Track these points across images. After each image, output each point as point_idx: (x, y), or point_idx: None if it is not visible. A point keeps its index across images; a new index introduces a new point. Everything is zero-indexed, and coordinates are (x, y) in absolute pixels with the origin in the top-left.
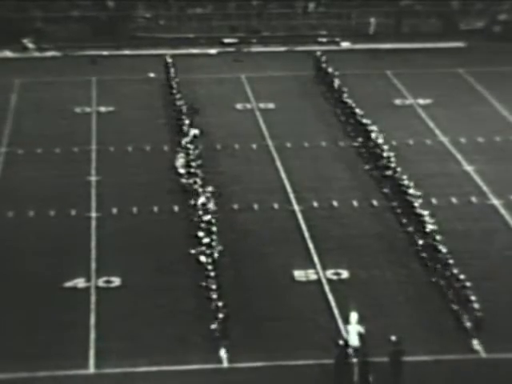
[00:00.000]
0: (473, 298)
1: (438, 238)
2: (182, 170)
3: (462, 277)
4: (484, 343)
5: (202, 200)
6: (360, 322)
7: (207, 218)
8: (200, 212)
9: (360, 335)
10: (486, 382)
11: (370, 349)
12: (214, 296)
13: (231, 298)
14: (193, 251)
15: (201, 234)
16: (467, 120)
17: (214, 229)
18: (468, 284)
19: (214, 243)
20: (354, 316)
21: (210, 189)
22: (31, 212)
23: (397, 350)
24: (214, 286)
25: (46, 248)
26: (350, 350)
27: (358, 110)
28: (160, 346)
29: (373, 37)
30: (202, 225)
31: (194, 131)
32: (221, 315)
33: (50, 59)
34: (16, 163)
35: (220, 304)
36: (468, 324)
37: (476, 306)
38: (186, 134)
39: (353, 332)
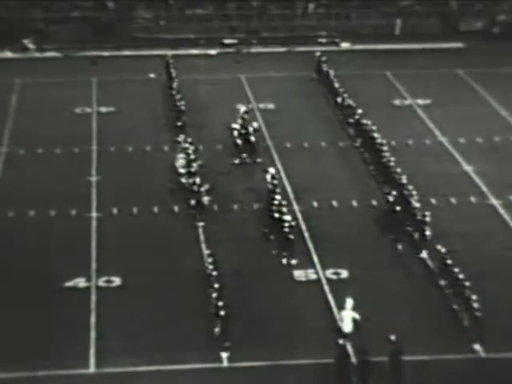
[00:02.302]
0: (473, 297)
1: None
2: (181, 170)
3: (461, 276)
4: (484, 343)
5: (270, 176)
6: (355, 309)
7: (278, 198)
8: (271, 193)
9: (354, 321)
10: (485, 381)
11: (368, 347)
12: (215, 295)
13: (231, 298)
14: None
15: (277, 215)
16: (466, 120)
17: (285, 209)
18: (467, 284)
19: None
20: (349, 302)
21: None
22: (32, 212)
23: (396, 350)
24: (216, 285)
25: (46, 248)
26: (346, 340)
27: (358, 111)
28: (160, 345)
29: (396, 37)
30: (274, 207)
31: (254, 124)
32: (222, 314)
33: (50, 60)
34: (16, 163)
35: (221, 304)
36: (467, 324)
37: (476, 305)
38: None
39: (347, 318)
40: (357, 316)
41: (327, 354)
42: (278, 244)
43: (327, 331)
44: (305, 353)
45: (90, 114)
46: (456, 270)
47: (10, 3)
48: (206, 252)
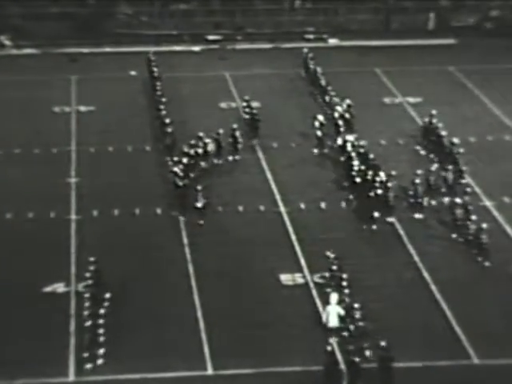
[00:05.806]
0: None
1: None
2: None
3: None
4: (475, 349)
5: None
6: (340, 303)
7: (356, 163)
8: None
9: (340, 317)
10: None
11: (357, 352)
12: (87, 304)
13: (217, 303)
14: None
15: (358, 179)
16: (458, 119)
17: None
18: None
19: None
20: (334, 297)
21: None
22: (9, 214)
23: (386, 356)
24: (87, 295)
25: (24, 251)
26: (331, 335)
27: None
28: (143, 352)
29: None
30: (354, 172)
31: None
32: (88, 324)
33: (27, 57)
34: None
35: (87, 313)
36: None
37: (357, 315)
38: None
39: (332, 313)
40: (341, 311)
41: (316, 360)
42: (364, 207)
43: (315, 337)
44: (292, 360)
45: (69, 113)
46: (343, 275)
47: None
48: (90, 259)
